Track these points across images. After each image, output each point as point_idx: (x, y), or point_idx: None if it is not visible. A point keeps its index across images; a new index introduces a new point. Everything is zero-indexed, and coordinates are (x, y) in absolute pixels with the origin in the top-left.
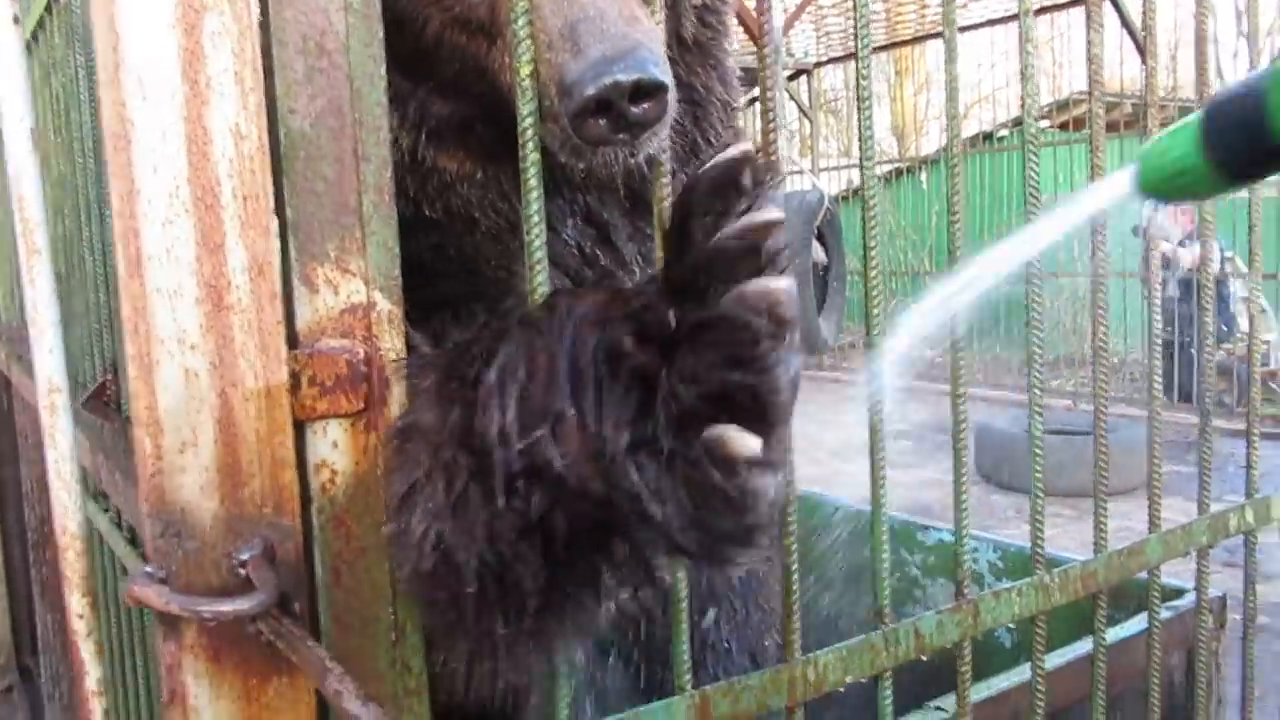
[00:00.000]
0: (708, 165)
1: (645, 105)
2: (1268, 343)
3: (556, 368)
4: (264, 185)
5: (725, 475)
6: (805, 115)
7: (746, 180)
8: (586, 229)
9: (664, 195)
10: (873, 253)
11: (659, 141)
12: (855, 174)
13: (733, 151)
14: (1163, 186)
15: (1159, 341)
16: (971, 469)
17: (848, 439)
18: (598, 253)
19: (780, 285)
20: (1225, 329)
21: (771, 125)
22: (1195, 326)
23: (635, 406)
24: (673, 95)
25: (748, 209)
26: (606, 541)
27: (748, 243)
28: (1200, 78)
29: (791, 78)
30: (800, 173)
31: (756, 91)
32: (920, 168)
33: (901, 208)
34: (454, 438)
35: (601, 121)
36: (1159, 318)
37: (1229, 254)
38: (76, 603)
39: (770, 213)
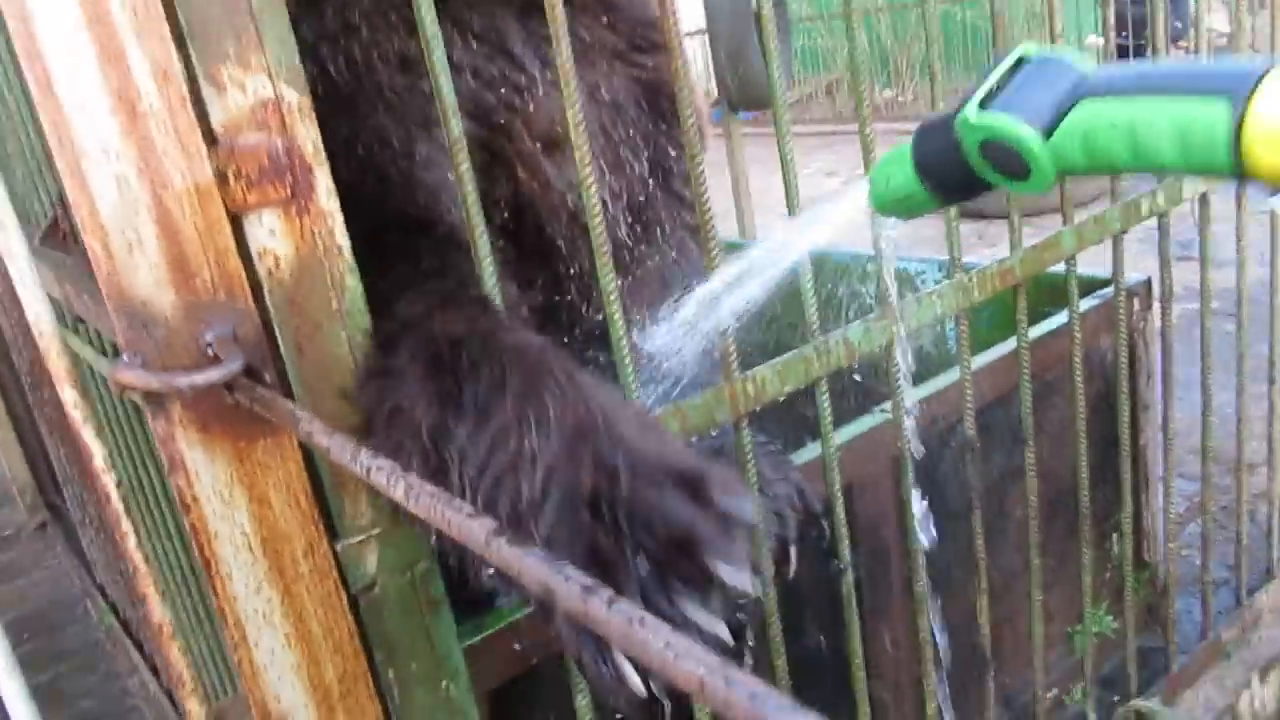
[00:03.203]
0: None
1: None
2: (1223, 35)
3: (531, 473)
4: None
5: None
6: None
7: None
8: (480, 47)
9: None
10: None
11: None
12: None
13: None
14: (894, 208)
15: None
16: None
17: (810, 190)
18: (493, 68)
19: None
20: (1179, 26)
21: None
22: (1149, 27)
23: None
24: None
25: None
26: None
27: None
28: None
29: None
30: None
31: None
32: None
33: None
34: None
35: None
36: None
37: None
38: (68, 395)
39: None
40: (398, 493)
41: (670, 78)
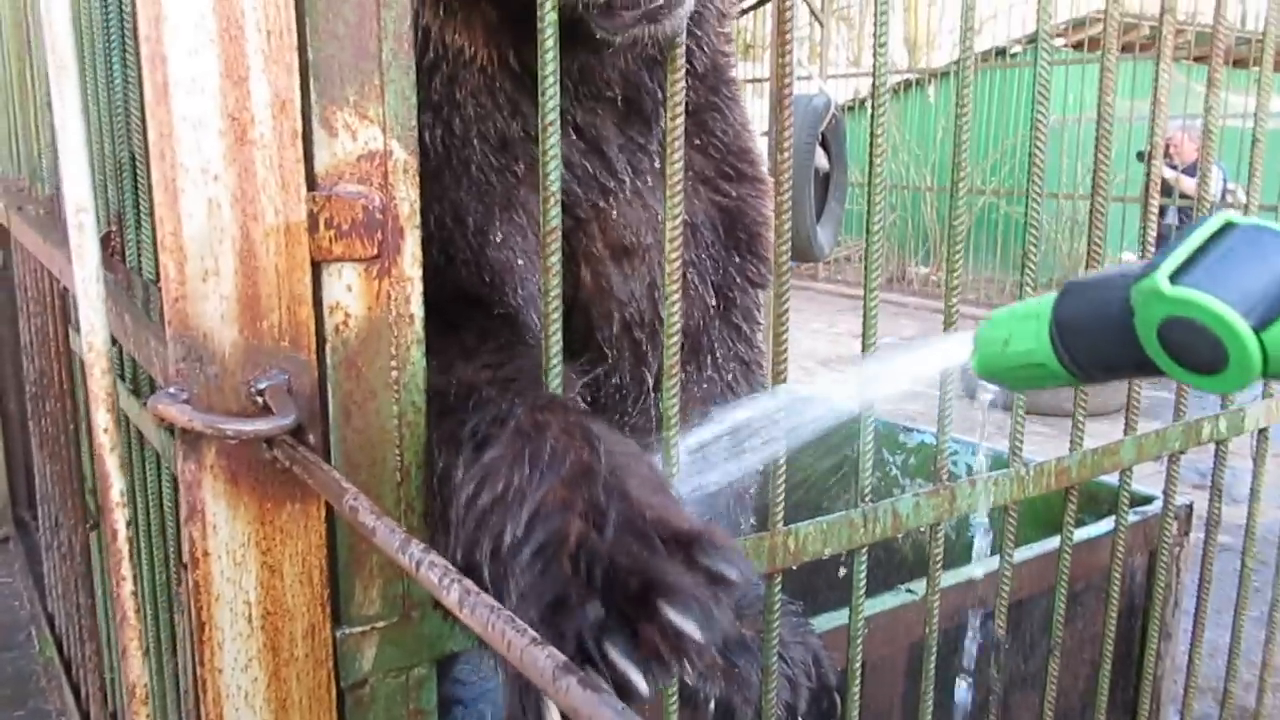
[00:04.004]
0: None
1: None
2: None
3: (518, 512)
4: (287, 21)
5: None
6: (817, 19)
7: None
8: (576, 141)
9: (678, 79)
10: (879, 164)
11: (684, 10)
12: (862, 84)
13: None
14: (1004, 375)
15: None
16: (958, 385)
17: (838, 350)
18: (586, 164)
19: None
20: None
21: (788, 31)
22: None
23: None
24: None
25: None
26: None
27: None
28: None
29: None
30: (809, 78)
31: None
32: (929, 81)
33: (907, 122)
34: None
35: None
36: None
37: (1231, 185)
38: (102, 418)
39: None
40: (450, 597)
41: (750, 210)
